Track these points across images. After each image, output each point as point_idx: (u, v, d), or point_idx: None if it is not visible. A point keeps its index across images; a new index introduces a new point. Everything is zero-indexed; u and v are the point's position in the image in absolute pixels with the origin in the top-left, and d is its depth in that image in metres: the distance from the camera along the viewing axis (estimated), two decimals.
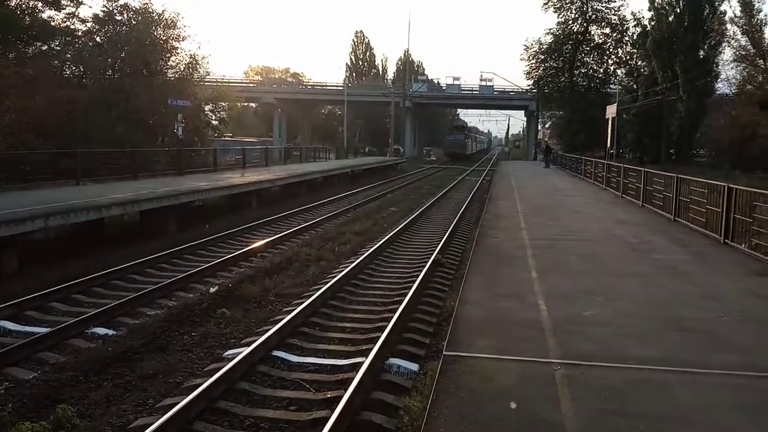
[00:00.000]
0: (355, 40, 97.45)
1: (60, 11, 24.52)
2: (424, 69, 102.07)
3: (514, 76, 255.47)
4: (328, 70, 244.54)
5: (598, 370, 5.07)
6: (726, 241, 10.94)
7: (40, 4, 23.86)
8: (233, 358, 6.49)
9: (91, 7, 39.53)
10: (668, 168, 30.84)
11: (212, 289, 9.89)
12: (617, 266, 9.17)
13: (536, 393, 4.62)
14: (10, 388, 6.20)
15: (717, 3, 46.57)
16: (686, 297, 7.48)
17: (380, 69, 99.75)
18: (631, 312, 6.76)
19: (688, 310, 6.90)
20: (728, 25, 46.08)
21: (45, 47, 24.64)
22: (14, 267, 11.04)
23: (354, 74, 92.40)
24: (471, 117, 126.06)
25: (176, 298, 9.57)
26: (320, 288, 9.52)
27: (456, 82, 75.15)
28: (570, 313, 6.66)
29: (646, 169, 17.95)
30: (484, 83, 72.76)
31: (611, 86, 54.84)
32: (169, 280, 10.20)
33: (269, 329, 7.52)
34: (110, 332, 7.89)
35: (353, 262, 11.45)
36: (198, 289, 10.12)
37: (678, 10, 47.48)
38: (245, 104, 74.05)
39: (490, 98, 74.48)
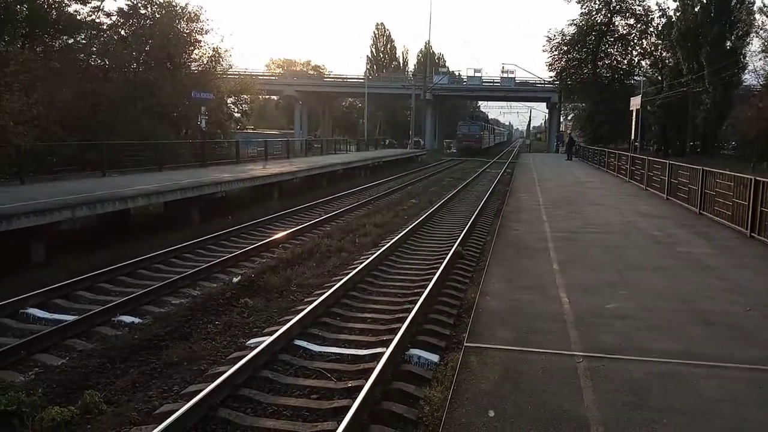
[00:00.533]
0: (376, 32, 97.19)
1: (86, 5, 24.84)
2: (445, 61, 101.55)
3: (536, 67, 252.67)
4: (349, 62, 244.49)
5: (621, 363, 5.04)
6: (752, 234, 10.76)
7: None
8: (256, 347, 6.57)
9: (116, 0, 39.94)
10: (693, 160, 30.35)
11: (235, 279, 10.01)
12: (641, 259, 9.08)
13: (559, 385, 4.62)
14: (40, 373, 6.36)
15: None
16: (711, 290, 7.39)
17: (401, 61, 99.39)
18: (655, 305, 6.70)
19: (713, 303, 6.82)
20: (756, 15, 45.11)
21: (71, 41, 25.00)
22: (42, 257, 11.27)
23: (375, 66, 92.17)
24: (492, 109, 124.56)
25: (200, 288, 9.70)
26: (341, 279, 9.58)
27: (477, 74, 74.52)
28: (592, 305, 6.62)
29: (670, 162, 17.68)
30: (505, 75, 72.05)
31: (635, 78, 53.99)
32: (193, 270, 10.34)
33: (291, 319, 7.60)
34: (136, 320, 8.04)
35: (374, 253, 11.48)
36: (221, 278, 10.24)
37: (704, 1, 46.52)
38: (267, 97, 74.46)
39: (511, 90, 73.71)
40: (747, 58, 46.51)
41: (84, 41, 25.52)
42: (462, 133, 64.22)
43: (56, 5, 23.83)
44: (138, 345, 7.09)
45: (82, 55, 25.78)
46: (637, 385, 4.65)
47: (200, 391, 5.49)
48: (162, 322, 7.86)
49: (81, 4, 24.63)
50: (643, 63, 56.36)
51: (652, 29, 53.79)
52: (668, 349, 5.37)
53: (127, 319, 8.07)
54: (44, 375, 6.29)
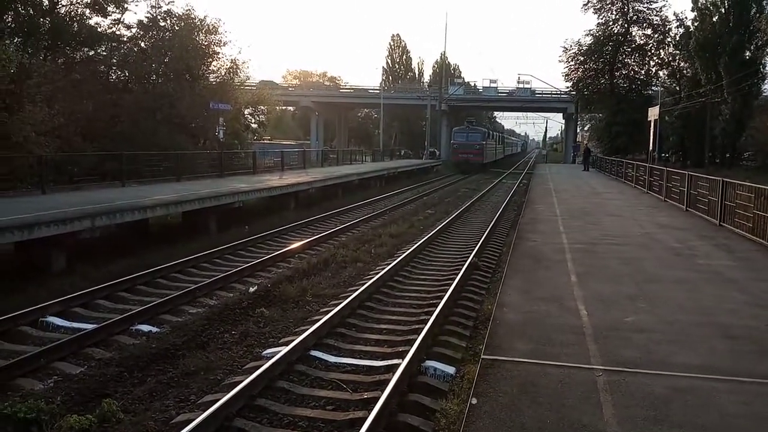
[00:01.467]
0: (392, 43, 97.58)
1: (106, 18, 25.27)
2: (460, 72, 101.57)
3: (553, 78, 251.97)
4: (365, 73, 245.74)
5: (641, 377, 4.97)
6: None
7: (87, 11, 24.61)
8: (272, 357, 6.58)
9: (136, 13, 40.62)
10: (712, 171, 30.00)
11: (251, 289, 10.05)
12: (660, 271, 8.96)
13: (578, 399, 4.55)
14: (59, 381, 6.42)
15: (765, 2, 45.08)
16: (732, 303, 7.26)
17: (416, 72, 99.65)
18: (675, 318, 6.60)
19: (734, 317, 6.70)
20: None
21: (92, 53, 25.42)
22: (62, 265, 11.42)
23: (390, 77, 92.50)
24: (508, 119, 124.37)
25: (217, 297, 9.76)
26: (357, 289, 9.58)
27: (492, 85, 74.44)
28: (611, 318, 6.54)
29: (689, 173, 17.49)
30: (521, 85, 71.93)
31: (653, 88, 53.59)
32: (211, 280, 10.41)
33: (307, 329, 7.61)
34: (154, 329, 8.09)
35: (389, 264, 11.47)
36: (238, 288, 10.29)
37: (723, 10, 46.13)
38: (284, 108, 74.98)
39: (527, 100, 73.48)
40: (766, 69, 45.96)
41: (105, 53, 25.95)
42: (457, 143, 51.18)
43: (78, 18, 24.28)
44: (155, 354, 7.14)
45: (103, 67, 26.20)
46: (658, 399, 4.58)
47: (216, 401, 5.51)
48: (179, 331, 7.91)
49: (102, 16, 25.08)
50: (661, 73, 55.94)
51: (669, 39, 53.44)
52: (689, 363, 5.28)
53: (145, 328, 8.13)
54: (63, 383, 6.35)
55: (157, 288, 10.32)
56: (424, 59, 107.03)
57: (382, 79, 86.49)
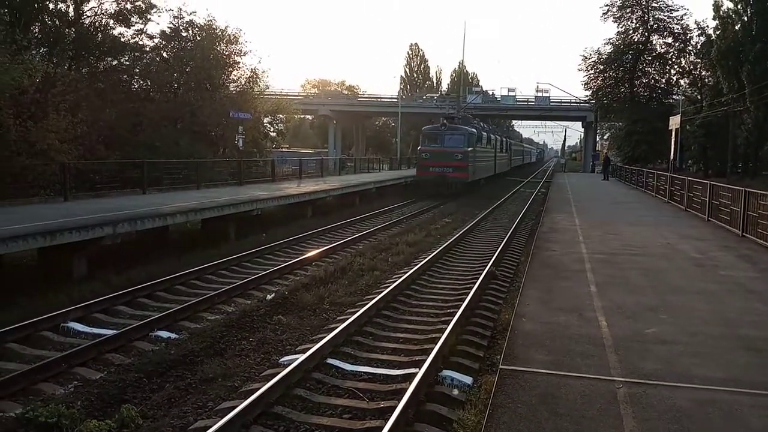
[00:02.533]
0: (410, 52, 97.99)
1: (129, 28, 25.72)
2: (478, 80, 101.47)
3: (572, 86, 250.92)
4: (383, 82, 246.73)
5: (662, 390, 4.89)
6: None
7: (111, 21, 25.08)
8: (289, 365, 6.59)
9: (158, 24, 41.26)
10: (734, 181, 29.57)
11: (269, 296, 10.09)
12: (681, 282, 8.84)
13: (598, 412, 4.50)
14: (79, 386, 6.48)
15: None
16: (755, 315, 7.14)
17: (434, 81, 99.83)
18: (697, 330, 6.50)
19: (758, 329, 6.58)
20: None
21: (115, 62, 25.84)
22: (84, 271, 11.57)
23: (408, 86, 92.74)
24: (526, 128, 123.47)
25: (235, 304, 9.81)
26: (373, 298, 9.57)
27: (511, 93, 74.25)
28: (632, 329, 6.46)
29: (711, 182, 17.26)
30: (540, 94, 71.64)
31: (674, 96, 53.05)
32: (229, 287, 10.48)
33: (324, 337, 7.61)
34: (173, 336, 8.16)
35: (406, 272, 11.45)
36: (256, 295, 10.34)
37: (746, 18, 45.54)
38: (302, 116, 75.47)
39: (546, 109, 73.13)
40: None
41: (127, 63, 26.37)
42: (428, 150, 31.35)
43: (102, 28, 24.74)
44: (174, 360, 7.19)
45: (126, 77, 26.62)
46: (680, 412, 4.50)
47: (234, 407, 5.53)
48: (198, 337, 7.96)
49: (125, 26, 25.53)
50: (682, 82, 55.41)
51: (690, 48, 52.93)
52: (711, 375, 5.19)
53: (164, 334, 8.19)
54: (83, 388, 6.41)
55: (176, 294, 10.40)
56: (442, 68, 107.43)
57: (400, 88, 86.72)
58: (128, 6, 25.01)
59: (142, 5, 25.31)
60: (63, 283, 10.65)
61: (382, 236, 16.95)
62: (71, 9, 24.04)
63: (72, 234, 11.14)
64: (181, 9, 27.11)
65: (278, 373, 6.31)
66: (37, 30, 23.00)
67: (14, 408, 5.85)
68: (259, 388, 5.93)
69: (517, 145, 72.34)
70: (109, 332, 8.11)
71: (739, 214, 13.61)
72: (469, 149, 31.41)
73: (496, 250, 13.79)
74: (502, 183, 42.25)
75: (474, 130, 33.56)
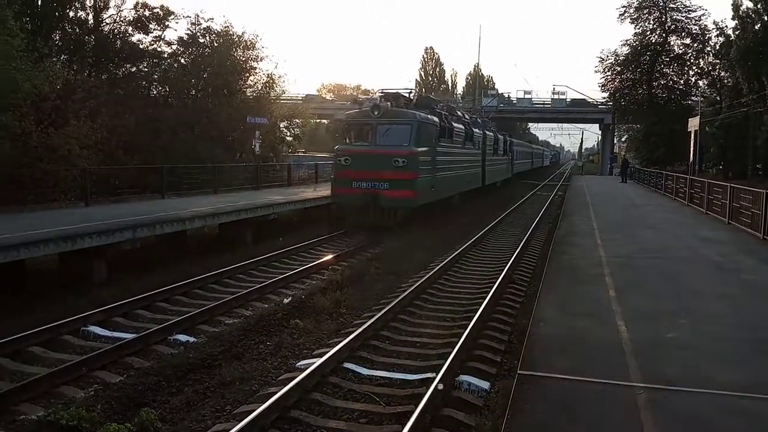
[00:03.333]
0: (425, 55, 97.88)
1: (148, 35, 26.09)
2: (494, 83, 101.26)
3: (588, 88, 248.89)
4: (399, 86, 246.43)
5: (683, 396, 4.82)
6: None
7: (130, 28, 25.48)
8: (306, 369, 6.61)
9: (176, 30, 41.72)
10: (755, 183, 29.11)
11: (286, 300, 10.13)
12: (702, 286, 8.71)
13: (618, 417, 4.45)
14: (99, 390, 6.55)
15: None
16: None
17: (450, 84, 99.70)
18: (719, 335, 6.40)
19: None
20: None
21: (134, 69, 26.22)
22: (104, 275, 11.71)
23: (423, 90, 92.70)
24: (543, 131, 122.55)
25: (252, 308, 9.86)
26: (390, 302, 9.55)
27: (527, 96, 73.94)
28: (652, 334, 6.38)
29: (731, 185, 17.01)
30: (556, 96, 71.24)
31: (692, 98, 52.40)
32: (246, 291, 10.53)
33: (340, 341, 7.62)
34: (191, 339, 8.22)
35: (422, 276, 11.43)
36: (273, 299, 10.39)
37: (766, 18, 44.90)
38: (318, 121, 75.71)
39: (562, 111, 72.69)
40: None
41: (146, 69, 26.72)
42: (350, 153, 18.38)
43: (120, 35, 25.13)
44: (193, 364, 7.24)
45: (144, 83, 26.98)
46: (702, 418, 4.44)
47: (252, 411, 5.55)
48: (216, 341, 8.01)
49: (144, 34, 25.92)
50: (701, 83, 54.69)
51: (709, 48, 52.25)
52: (734, 381, 5.11)
53: (183, 338, 8.26)
54: (103, 392, 6.48)
55: (195, 299, 10.48)
56: (457, 71, 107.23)
57: (415, 91, 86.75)
58: (146, 13, 25.40)
59: (160, 12, 25.67)
60: (83, 287, 10.80)
61: (397, 241, 16.88)
62: (91, 17, 24.48)
63: (92, 239, 11.30)
64: (198, 15, 27.42)
65: (295, 377, 6.32)
66: (57, 38, 23.42)
67: (36, 411, 5.94)
68: (276, 392, 5.95)
69: (523, 145, 57.86)
70: (129, 336, 8.20)
71: (761, 216, 13.40)
72: (420, 150, 18.25)
73: (513, 254, 13.66)
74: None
75: (433, 118, 20.00)
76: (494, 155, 32.87)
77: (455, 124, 23.30)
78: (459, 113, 27.59)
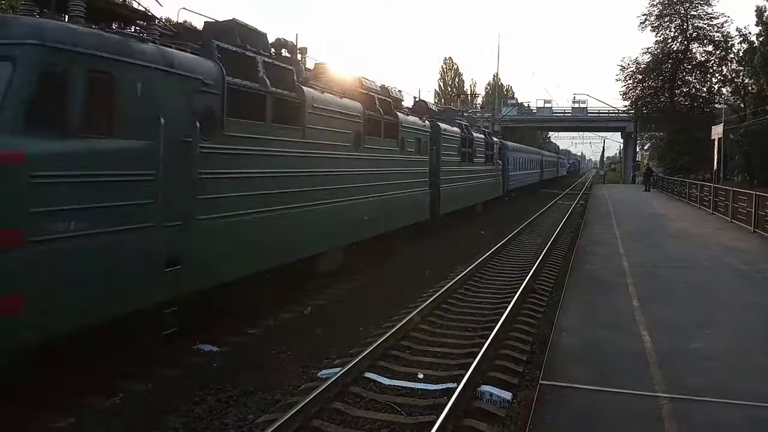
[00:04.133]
0: (444, 66, 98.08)
1: None
2: (513, 92, 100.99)
3: (610, 97, 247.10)
4: (417, 96, 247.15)
5: (709, 407, 4.76)
6: None
7: None
8: (328, 379, 6.63)
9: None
10: None
11: (306, 311, 10.17)
12: (728, 296, 8.59)
13: (641, 429, 4.41)
14: (125, 398, 6.64)
15: None
16: None
17: (469, 94, 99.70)
18: (745, 345, 6.31)
19: None
20: None
21: None
22: None
23: (443, 100, 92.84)
24: (563, 140, 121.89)
25: (274, 318, 9.91)
26: (410, 312, 9.55)
27: (547, 105, 73.62)
28: (676, 344, 6.31)
29: (757, 193, 16.76)
30: (576, 105, 70.84)
31: (716, 105, 51.72)
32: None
33: (362, 351, 7.64)
34: (215, 349, 8.29)
35: (443, 286, 11.41)
36: (294, 309, 10.43)
37: None
38: None
39: (583, 120, 72.20)
40: None
41: None
42: None
43: None
44: (216, 373, 7.31)
45: None
46: (726, 429, 4.37)
47: (274, 420, 5.59)
48: (239, 350, 8.08)
49: None
50: (724, 90, 54.01)
51: (732, 55, 51.63)
52: (760, 392, 5.03)
53: (207, 347, 8.33)
54: (129, 400, 6.56)
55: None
56: (476, 81, 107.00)
57: (434, 102, 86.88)
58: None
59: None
60: None
61: (418, 249, 16.85)
62: None
63: None
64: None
65: (317, 387, 6.35)
66: None
67: (62, 419, 6.04)
68: (298, 402, 5.98)
69: (524, 151, 43.28)
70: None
71: None
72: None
73: (534, 264, 13.55)
74: (544, 194, 33.12)
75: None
76: (465, 162, 22.20)
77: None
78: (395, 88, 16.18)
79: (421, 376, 7.00)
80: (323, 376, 7.07)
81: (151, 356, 7.28)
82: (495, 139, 30.92)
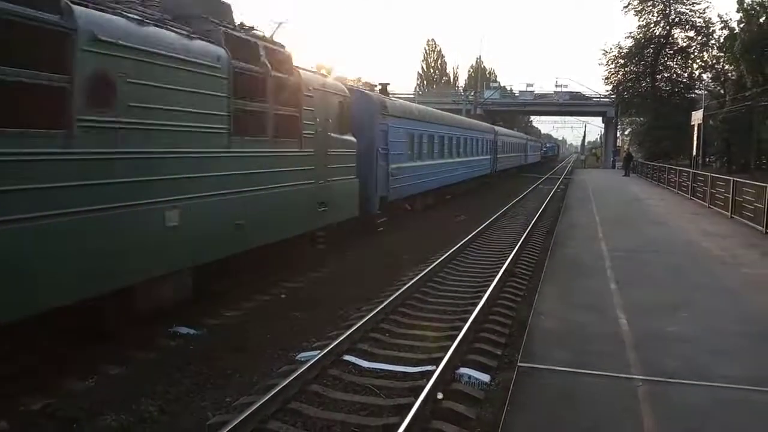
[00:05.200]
0: (427, 48, 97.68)
1: None
2: (496, 76, 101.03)
3: (592, 82, 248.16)
4: (400, 78, 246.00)
5: (683, 388, 4.82)
6: None
7: None
8: (306, 361, 6.60)
9: None
10: (758, 177, 29.05)
11: (284, 295, 10.11)
12: (704, 280, 8.71)
13: (617, 410, 4.45)
14: (99, 380, 6.55)
15: None
16: None
17: (451, 76, 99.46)
18: (720, 328, 6.39)
19: None
20: None
21: None
22: None
23: (425, 82, 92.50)
24: (545, 123, 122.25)
25: (253, 300, 9.84)
26: (390, 295, 9.54)
27: (529, 88, 73.84)
28: (652, 327, 6.38)
29: (734, 178, 16.98)
30: (558, 89, 71.05)
31: (696, 91, 52.26)
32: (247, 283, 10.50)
33: (341, 333, 7.61)
34: (192, 331, 8.20)
35: (423, 270, 11.41)
36: (272, 292, 10.36)
37: None
38: None
39: (564, 104, 72.48)
40: None
41: None
42: None
43: None
44: (193, 355, 7.24)
45: None
46: (701, 411, 4.43)
47: (252, 403, 5.55)
48: (216, 333, 8.01)
49: None
50: (705, 76, 54.55)
51: (713, 41, 52.08)
52: (734, 374, 5.10)
53: (183, 330, 8.24)
54: (103, 382, 6.47)
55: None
56: (459, 64, 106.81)
57: (417, 84, 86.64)
58: None
59: None
60: None
61: (398, 235, 16.88)
62: None
63: None
64: None
65: (296, 370, 6.32)
66: None
67: (36, 402, 5.94)
68: (276, 384, 5.95)
69: (452, 128, 25.65)
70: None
71: (764, 210, 13.37)
72: None
73: (514, 248, 13.60)
74: (525, 178, 34.45)
75: None
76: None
77: None
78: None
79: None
80: (302, 359, 7.04)
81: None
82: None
